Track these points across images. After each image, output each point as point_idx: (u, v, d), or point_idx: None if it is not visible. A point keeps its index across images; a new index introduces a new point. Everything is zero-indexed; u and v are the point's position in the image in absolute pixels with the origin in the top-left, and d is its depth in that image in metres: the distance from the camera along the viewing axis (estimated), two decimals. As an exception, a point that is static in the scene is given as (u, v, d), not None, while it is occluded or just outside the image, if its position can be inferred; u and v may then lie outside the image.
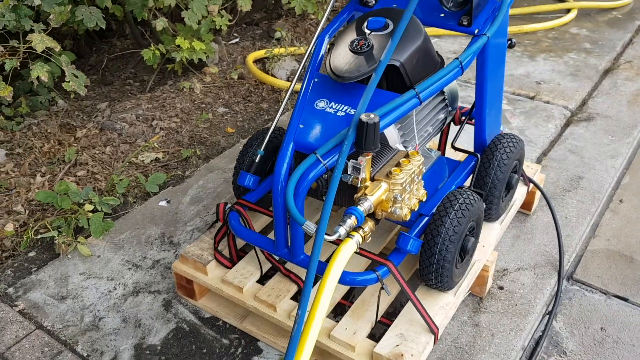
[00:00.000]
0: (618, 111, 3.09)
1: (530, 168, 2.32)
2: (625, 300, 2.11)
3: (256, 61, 3.81)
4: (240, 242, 2.00)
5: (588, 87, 3.31)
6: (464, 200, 1.69)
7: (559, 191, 2.51)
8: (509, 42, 2.11)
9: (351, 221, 1.51)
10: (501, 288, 2.05)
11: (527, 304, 1.99)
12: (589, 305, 2.09)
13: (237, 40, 4.20)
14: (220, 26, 3.51)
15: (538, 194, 2.35)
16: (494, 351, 1.83)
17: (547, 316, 2.02)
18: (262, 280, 1.90)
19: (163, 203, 2.53)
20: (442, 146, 2.25)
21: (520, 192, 2.20)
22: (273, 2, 4.33)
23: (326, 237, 1.46)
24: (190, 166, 2.85)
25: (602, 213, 2.51)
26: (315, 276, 1.44)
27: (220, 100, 3.48)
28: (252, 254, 1.94)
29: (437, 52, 1.86)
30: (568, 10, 4.25)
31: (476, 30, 1.79)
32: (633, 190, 2.64)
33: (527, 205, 2.33)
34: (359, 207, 1.54)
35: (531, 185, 2.26)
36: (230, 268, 1.92)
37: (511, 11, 4.24)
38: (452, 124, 2.20)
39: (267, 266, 1.92)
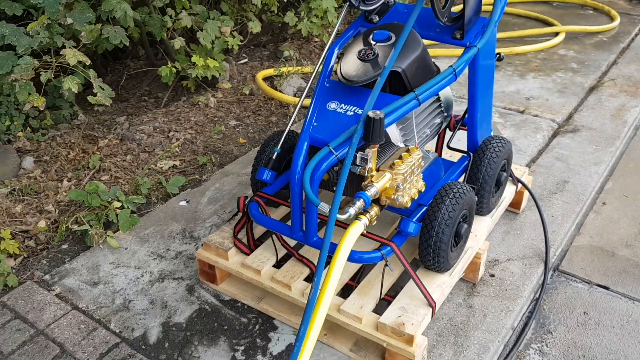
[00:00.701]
0: (602, 124, 3.34)
1: (518, 170, 2.55)
2: (607, 288, 2.32)
3: (265, 79, 4.07)
4: (257, 233, 2.22)
5: (574, 103, 3.57)
6: (457, 191, 1.92)
7: (546, 193, 2.74)
8: (498, 55, 2.37)
9: (360, 203, 1.73)
10: (492, 276, 2.27)
11: (516, 289, 2.20)
12: (573, 292, 2.30)
13: (246, 60, 4.47)
14: (232, 46, 3.77)
15: (526, 195, 2.58)
16: (486, 328, 2.04)
17: (535, 301, 2.23)
18: (278, 265, 2.11)
19: (183, 203, 2.75)
20: (439, 149, 2.49)
21: (509, 191, 2.43)
22: (280, 25, 4.61)
23: (338, 216, 1.68)
24: (206, 172, 3.08)
25: (587, 214, 2.74)
26: (327, 259, 1.65)
27: (232, 114, 3.72)
28: (268, 242, 2.16)
29: (433, 61, 2.11)
30: (557, 34, 4.54)
31: (468, 43, 2.04)
32: (615, 194, 2.88)
33: (516, 204, 2.56)
34: (366, 192, 1.77)
35: (519, 185, 2.49)
36: (248, 254, 2.13)
37: (504, 35, 4.54)
38: (447, 130, 2.45)
39: (282, 253, 2.13)
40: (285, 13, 4.17)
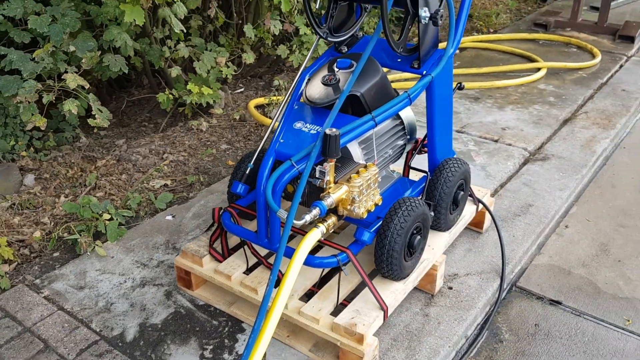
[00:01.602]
0: (571, 153, 3.51)
1: (481, 192, 2.72)
2: (559, 303, 2.47)
3: (257, 107, 4.30)
4: (232, 243, 2.40)
5: (548, 133, 3.75)
6: (410, 204, 2.10)
7: (510, 215, 2.91)
8: (459, 85, 2.57)
9: (315, 211, 1.91)
10: (450, 288, 2.42)
11: (471, 300, 2.35)
12: (528, 306, 2.45)
13: (242, 89, 4.73)
14: (227, 75, 4.02)
15: (489, 216, 2.74)
16: (439, 335, 2.18)
17: (489, 313, 2.37)
18: (249, 272, 2.28)
19: (169, 217, 2.94)
20: (406, 170, 2.67)
21: (469, 210, 2.60)
22: (275, 57, 4.88)
23: (295, 222, 1.86)
24: (194, 190, 3.28)
25: (549, 235, 2.89)
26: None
27: (224, 139, 3.94)
28: (241, 251, 2.34)
29: (394, 88, 2.32)
30: (538, 69, 4.76)
31: (424, 72, 2.25)
32: (578, 218, 3.03)
33: (478, 224, 2.72)
34: (323, 201, 1.95)
35: (480, 205, 2.66)
36: (222, 262, 2.31)
37: (488, 69, 4.77)
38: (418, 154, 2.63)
39: (252, 261, 2.31)
40: (279, 46, 4.43)
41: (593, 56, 5.13)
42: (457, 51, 5.35)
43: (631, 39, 5.52)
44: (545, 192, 3.11)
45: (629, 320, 2.38)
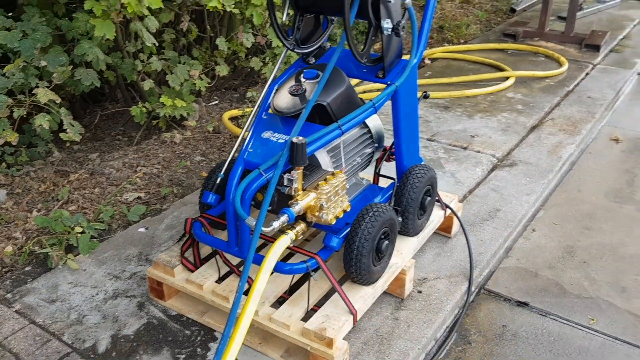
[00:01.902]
0: (538, 159, 3.61)
1: (448, 197, 2.79)
2: (527, 304, 2.53)
3: (231, 119, 4.34)
4: (204, 253, 2.42)
5: (515, 140, 3.85)
6: (377, 210, 2.15)
7: (479, 220, 2.98)
8: (424, 93, 2.64)
9: (284, 218, 1.95)
10: (420, 292, 2.47)
11: (440, 303, 2.40)
12: (495, 308, 2.51)
13: (217, 102, 4.76)
14: (200, 88, 4.06)
15: (457, 221, 2.80)
16: (408, 338, 2.22)
17: (458, 316, 2.42)
18: (220, 281, 2.30)
19: (142, 229, 2.95)
20: (375, 177, 2.72)
21: (437, 215, 2.66)
22: (249, 70, 4.92)
23: (263, 229, 1.90)
24: (168, 202, 3.29)
25: (517, 239, 2.97)
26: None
27: (198, 151, 3.97)
28: (213, 260, 2.36)
29: (360, 98, 2.38)
30: (507, 78, 4.88)
31: (389, 81, 2.31)
32: (545, 222, 3.11)
33: (447, 229, 2.78)
34: (291, 208, 1.99)
35: (448, 210, 2.72)
36: (193, 271, 2.33)
37: (458, 79, 4.87)
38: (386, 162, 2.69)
39: (225, 270, 2.33)
40: (253, 59, 4.48)
41: (560, 65, 5.26)
42: (429, 61, 5.47)
43: (597, 48, 5.68)
44: (512, 197, 3.19)
45: (593, 319, 2.45)
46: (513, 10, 6.95)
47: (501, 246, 2.84)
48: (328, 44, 2.55)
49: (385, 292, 2.38)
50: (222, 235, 2.50)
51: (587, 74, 5.14)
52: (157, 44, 3.75)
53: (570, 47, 5.74)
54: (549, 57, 5.53)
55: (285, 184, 2.06)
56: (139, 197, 3.34)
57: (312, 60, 2.50)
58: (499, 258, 2.81)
